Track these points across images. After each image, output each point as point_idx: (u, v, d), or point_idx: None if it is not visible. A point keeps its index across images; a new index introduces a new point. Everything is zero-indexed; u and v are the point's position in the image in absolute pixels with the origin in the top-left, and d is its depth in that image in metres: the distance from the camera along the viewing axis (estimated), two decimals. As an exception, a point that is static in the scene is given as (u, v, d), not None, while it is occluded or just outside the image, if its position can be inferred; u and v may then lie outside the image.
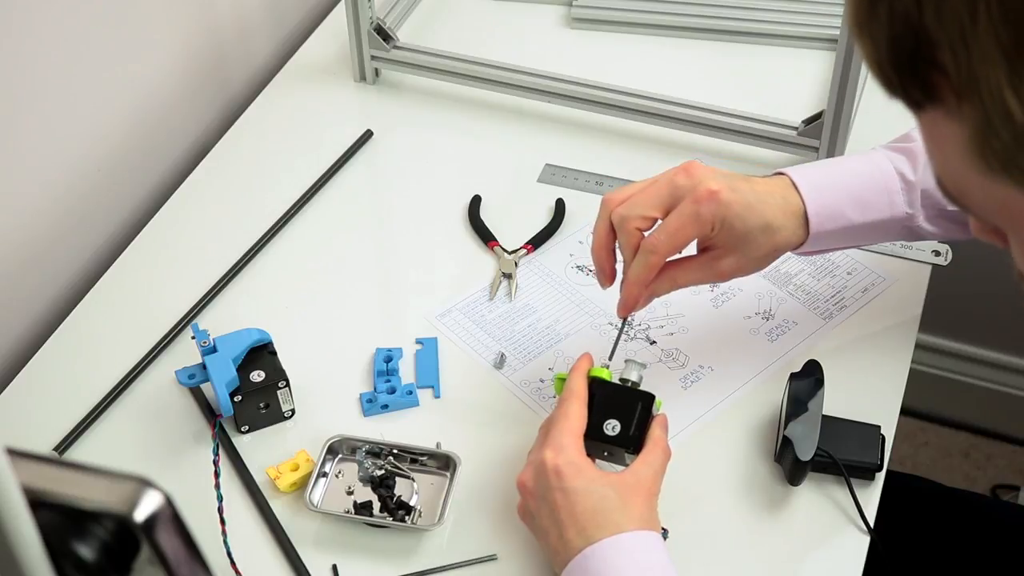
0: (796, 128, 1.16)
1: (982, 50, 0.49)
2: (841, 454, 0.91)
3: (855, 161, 0.96)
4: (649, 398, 0.88)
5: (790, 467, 0.91)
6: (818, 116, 1.13)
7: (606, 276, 0.92)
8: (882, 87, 0.55)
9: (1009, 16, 0.48)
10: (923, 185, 0.93)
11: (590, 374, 0.89)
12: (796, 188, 0.91)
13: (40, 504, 0.45)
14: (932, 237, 0.96)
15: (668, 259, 0.89)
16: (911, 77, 0.53)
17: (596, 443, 0.86)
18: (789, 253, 0.94)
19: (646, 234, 0.88)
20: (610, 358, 0.91)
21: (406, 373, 1.02)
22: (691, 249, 0.91)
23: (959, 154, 0.54)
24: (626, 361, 0.91)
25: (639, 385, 0.90)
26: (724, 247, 0.89)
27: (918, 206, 0.93)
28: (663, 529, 0.86)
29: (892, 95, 0.55)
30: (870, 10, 0.53)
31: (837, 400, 0.94)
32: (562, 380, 0.90)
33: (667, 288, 0.91)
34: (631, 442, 0.86)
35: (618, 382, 0.89)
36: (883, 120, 1.21)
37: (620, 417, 0.87)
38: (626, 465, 0.86)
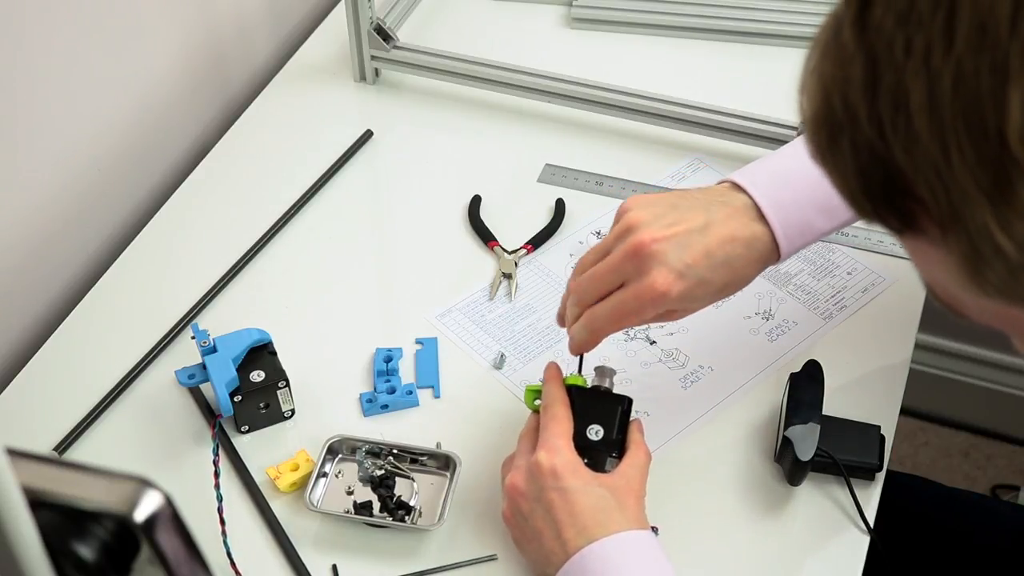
0: (796, 128, 1.16)
1: (961, 190, 0.46)
2: (841, 454, 0.91)
3: (810, 162, 0.91)
4: (627, 401, 0.88)
5: (790, 467, 0.91)
6: (818, 116, 1.13)
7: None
8: (857, 215, 0.53)
9: (983, 159, 0.45)
10: None
11: (566, 382, 0.88)
12: (759, 209, 0.84)
13: (40, 504, 0.45)
14: None
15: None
16: (886, 207, 0.51)
17: (579, 449, 0.85)
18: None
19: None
20: (579, 372, 0.90)
21: (406, 373, 1.02)
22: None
23: (948, 276, 0.51)
24: (595, 368, 0.90)
25: (612, 390, 0.89)
26: (683, 312, 0.87)
27: None
28: (653, 528, 0.86)
29: (870, 223, 0.53)
30: (831, 142, 0.51)
31: (837, 400, 0.94)
32: (533, 392, 0.90)
33: (615, 331, 0.87)
34: (615, 446, 0.86)
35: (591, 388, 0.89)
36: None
37: (602, 422, 0.86)
38: (606, 470, 0.85)
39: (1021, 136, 0.44)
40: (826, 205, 0.86)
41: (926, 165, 0.47)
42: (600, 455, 0.86)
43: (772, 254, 0.85)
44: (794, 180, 0.86)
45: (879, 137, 0.48)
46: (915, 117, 0.46)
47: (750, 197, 0.85)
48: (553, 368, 0.89)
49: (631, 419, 0.88)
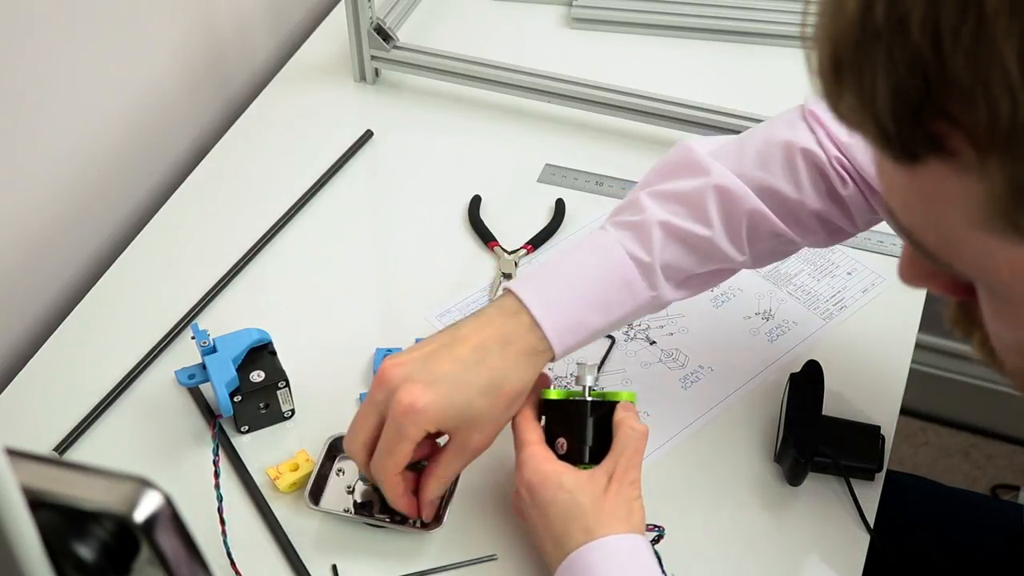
0: (796, 128, 1.16)
1: None
2: (841, 454, 0.91)
3: (586, 257, 0.86)
4: (602, 405, 0.85)
5: (790, 467, 0.91)
6: (818, 116, 1.13)
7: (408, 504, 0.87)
8: (868, 141, 0.48)
9: None
10: (661, 260, 0.85)
11: (544, 396, 0.87)
12: (525, 308, 0.83)
13: (40, 504, 0.45)
14: (681, 298, 0.89)
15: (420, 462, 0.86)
16: (912, 129, 0.46)
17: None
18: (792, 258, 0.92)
19: None
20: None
21: (406, 373, 1.02)
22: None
23: (966, 211, 0.47)
24: (577, 363, 0.88)
25: (592, 388, 0.86)
26: (460, 429, 0.83)
27: (661, 282, 0.85)
28: (656, 527, 0.85)
29: (882, 150, 0.48)
30: (859, 54, 0.46)
31: (837, 400, 0.95)
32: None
33: (438, 488, 0.85)
34: (582, 456, 0.84)
35: (567, 396, 0.87)
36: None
37: (568, 433, 0.85)
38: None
39: None
40: (598, 300, 0.84)
41: (995, 76, 0.42)
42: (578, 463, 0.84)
43: (540, 345, 0.83)
44: (564, 279, 0.85)
45: (932, 46, 0.43)
46: (990, 20, 0.42)
47: (517, 298, 0.84)
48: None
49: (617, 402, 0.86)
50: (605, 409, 0.85)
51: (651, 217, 0.85)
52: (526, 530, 0.86)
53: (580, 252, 0.87)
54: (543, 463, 0.82)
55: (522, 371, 0.83)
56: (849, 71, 0.46)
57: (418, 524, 0.89)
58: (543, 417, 0.87)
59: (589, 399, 0.85)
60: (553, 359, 0.84)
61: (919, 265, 0.57)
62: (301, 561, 0.88)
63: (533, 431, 0.85)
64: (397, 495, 0.85)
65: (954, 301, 0.59)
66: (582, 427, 0.85)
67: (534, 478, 0.82)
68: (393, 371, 0.81)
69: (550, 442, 0.85)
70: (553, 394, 0.87)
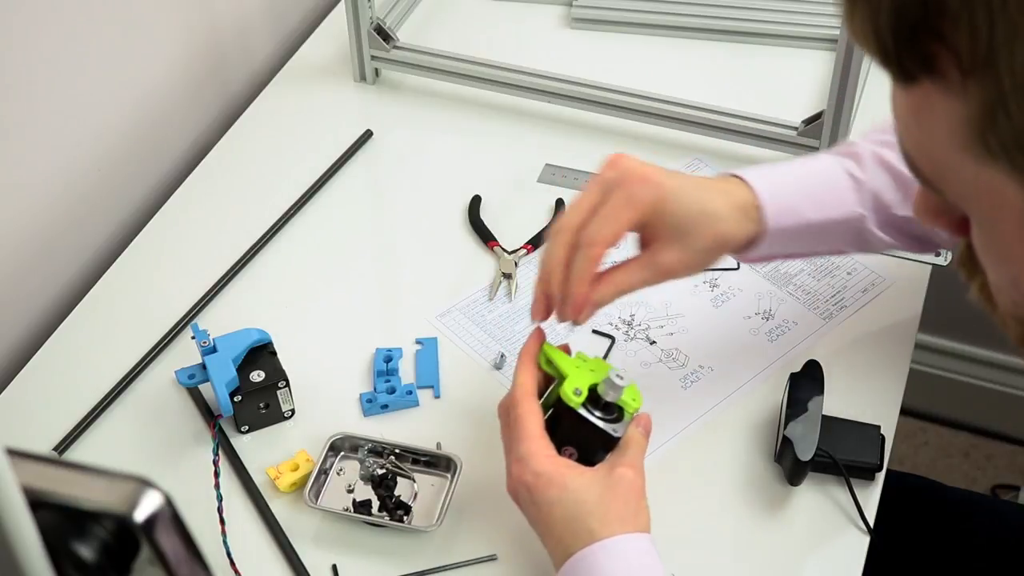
0: (796, 128, 1.16)
1: (1010, 24, 0.47)
2: (841, 454, 0.91)
3: (803, 161, 0.94)
4: (612, 442, 0.83)
5: (790, 467, 0.91)
6: (818, 116, 1.13)
7: (545, 307, 0.87)
8: (873, 56, 0.53)
9: None
10: (871, 186, 0.90)
11: (546, 354, 0.84)
12: (747, 183, 0.87)
13: (40, 504, 0.45)
14: (881, 247, 0.94)
15: (608, 264, 0.85)
16: (910, 48, 0.51)
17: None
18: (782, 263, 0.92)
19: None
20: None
21: (406, 373, 1.02)
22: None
23: (950, 133, 0.52)
24: (617, 375, 0.83)
25: (612, 405, 0.84)
26: (663, 238, 0.84)
27: (869, 207, 0.91)
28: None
29: (883, 65, 0.53)
30: None
31: (837, 400, 0.95)
32: (544, 354, 0.86)
33: (611, 293, 0.85)
34: (589, 465, 0.83)
35: (585, 410, 0.83)
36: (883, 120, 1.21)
37: (579, 449, 0.83)
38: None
39: None
40: (813, 193, 0.89)
41: (978, 1, 0.47)
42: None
43: (749, 221, 0.86)
44: (782, 168, 0.90)
45: None
46: None
47: (737, 176, 0.88)
48: (528, 345, 0.86)
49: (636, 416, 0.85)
50: (611, 447, 0.84)
51: (865, 147, 0.92)
52: (524, 517, 0.84)
53: (796, 161, 0.93)
54: (545, 463, 0.81)
55: (734, 222, 0.86)
56: None
57: (415, 524, 0.89)
58: (552, 413, 0.84)
59: (616, 435, 0.83)
60: (764, 233, 0.86)
61: (930, 201, 0.61)
62: (301, 561, 0.89)
63: (535, 423, 0.82)
64: (587, 271, 0.83)
65: (963, 243, 0.62)
66: (595, 452, 0.83)
67: (536, 480, 0.80)
68: (625, 158, 0.84)
69: (557, 444, 0.83)
70: (563, 360, 0.85)
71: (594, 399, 0.84)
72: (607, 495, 0.80)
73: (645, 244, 0.86)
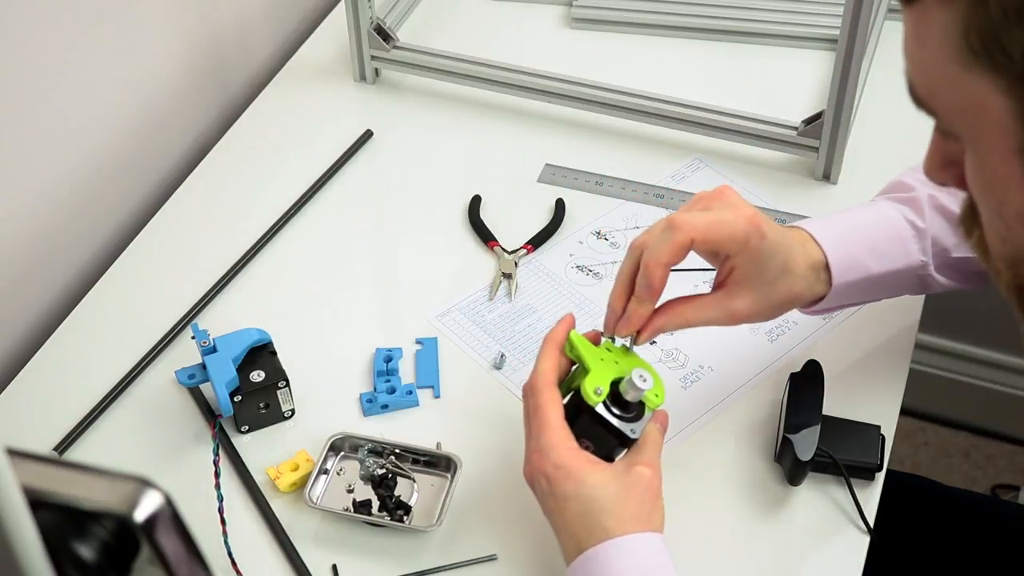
0: (796, 128, 1.16)
1: None
2: (841, 454, 0.91)
3: (864, 211, 0.94)
4: (629, 441, 0.83)
5: (790, 467, 0.91)
6: (818, 116, 1.13)
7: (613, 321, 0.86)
8: None
9: None
10: (931, 232, 0.92)
11: (571, 341, 0.84)
12: (814, 240, 0.89)
13: (40, 504, 0.45)
14: (939, 288, 0.95)
15: (679, 296, 0.86)
16: None
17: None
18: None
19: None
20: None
21: (406, 373, 1.02)
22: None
23: (942, 43, 0.57)
24: (641, 376, 0.82)
25: (633, 403, 0.83)
26: (742, 283, 0.85)
27: (930, 254, 0.93)
28: None
29: None
30: None
31: (837, 400, 0.94)
32: (569, 344, 0.85)
33: (675, 325, 0.86)
34: (608, 460, 0.83)
35: (605, 409, 0.82)
36: (883, 120, 1.22)
37: (595, 444, 0.83)
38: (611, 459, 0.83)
39: None
40: (876, 246, 0.91)
41: None
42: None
43: (820, 282, 0.89)
44: (845, 221, 0.92)
45: None
46: None
47: (804, 230, 0.90)
48: (555, 331, 0.85)
49: (655, 411, 0.84)
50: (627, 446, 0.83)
51: (922, 192, 0.93)
52: (538, 506, 0.83)
53: (858, 211, 0.95)
54: (566, 456, 0.80)
55: (807, 283, 0.88)
56: None
57: (415, 524, 0.89)
58: (571, 403, 0.83)
59: (633, 437, 0.82)
60: (830, 289, 0.88)
61: (938, 154, 0.65)
62: (301, 560, 0.89)
63: (556, 413, 0.82)
64: (671, 259, 0.82)
65: (966, 200, 0.66)
66: (612, 449, 0.83)
67: (555, 472, 0.80)
68: (733, 193, 0.86)
69: (573, 432, 0.82)
70: (589, 349, 0.84)
71: (615, 395, 0.83)
72: (624, 494, 0.79)
73: (720, 282, 0.87)
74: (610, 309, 0.86)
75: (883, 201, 0.95)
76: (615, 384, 0.83)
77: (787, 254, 0.86)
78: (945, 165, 0.65)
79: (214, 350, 0.95)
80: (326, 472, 0.93)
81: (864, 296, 0.94)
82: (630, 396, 0.82)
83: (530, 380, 0.84)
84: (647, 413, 0.84)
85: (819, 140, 1.14)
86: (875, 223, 0.93)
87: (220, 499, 0.90)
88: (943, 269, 0.94)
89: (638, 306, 0.84)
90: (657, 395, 0.83)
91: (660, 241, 0.82)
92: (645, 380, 0.82)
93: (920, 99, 0.62)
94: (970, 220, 0.66)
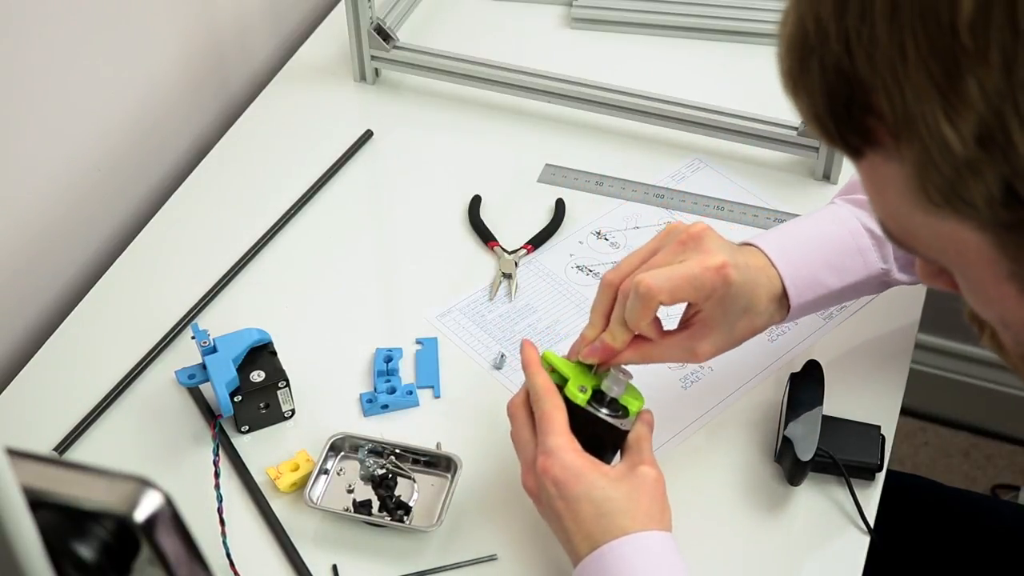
0: (796, 128, 1.16)
1: (915, 87, 0.50)
2: (841, 454, 0.91)
3: (823, 222, 0.93)
4: (620, 436, 0.85)
5: (790, 467, 0.91)
6: (818, 116, 1.13)
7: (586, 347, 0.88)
8: (821, 138, 0.56)
9: (936, 49, 0.49)
10: None
11: (546, 359, 0.85)
12: (772, 264, 0.88)
13: (40, 504, 0.45)
14: (906, 283, 0.95)
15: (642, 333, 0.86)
16: (848, 125, 0.54)
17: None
18: None
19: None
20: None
21: (406, 373, 1.02)
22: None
23: (901, 195, 0.55)
24: (619, 371, 0.86)
25: (618, 399, 0.85)
26: (708, 324, 0.86)
27: (891, 259, 0.92)
28: None
29: (832, 145, 0.57)
30: (801, 65, 0.54)
31: (837, 400, 0.95)
32: (546, 358, 0.87)
33: (640, 360, 0.87)
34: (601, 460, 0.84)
35: (591, 407, 0.85)
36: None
37: (587, 445, 0.83)
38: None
39: (971, 26, 0.48)
40: (834, 262, 0.90)
41: (885, 68, 0.51)
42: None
43: (779, 310, 0.89)
44: (802, 236, 0.91)
45: (846, 52, 0.52)
46: (878, 24, 0.50)
47: (761, 251, 0.89)
48: (529, 353, 0.87)
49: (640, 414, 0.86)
50: (620, 441, 0.85)
51: None
52: (541, 514, 0.84)
53: (815, 219, 0.93)
54: (575, 458, 0.81)
55: (768, 315, 0.88)
56: (798, 79, 0.55)
57: (415, 524, 0.89)
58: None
59: (625, 429, 0.85)
60: (788, 312, 0.88)
61: (926, 268, 0.65)
62: (301, 561, 0.89)
63: (561, 419, 0.83)
64: (639, 321, 0.83)
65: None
66: (604, 449, 0.84)
67: (564, 474, 0.80)
68: (709, 237, 0.85)
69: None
70: (563, 365, 0.86)
71: (598, 397, 0.85)
72: (634, 493, 0.81)
73: (686, 322, 0.88)
74: (582, 337, 0.88)
75: (842, 207, 0.94)
76: (596, 387, 0.86)
77: (751, 293, 0.86)
78: (937, 275, 0.63)
79: (214, 350, 0.95)
80: (326, 472, 0.93)
81: (825, 306, 0.94)
82: (614, 392, 0.85)
83: (526, 393, 0.85)
84: (631, 415, 0.86)
85: (819, 140, 1.14)
86: (832, 236, 0.91)
87: (220, 499, 0.90)
88: (907, 268, 0.93)
89: (611, 341, 0.85)
90: (636, 399, 0.87)
91: (633, 309, 0.83)
92: (625, 374, 0.85)
93: (896, 239, 0.60)
94: (979, 320, 0.65)
